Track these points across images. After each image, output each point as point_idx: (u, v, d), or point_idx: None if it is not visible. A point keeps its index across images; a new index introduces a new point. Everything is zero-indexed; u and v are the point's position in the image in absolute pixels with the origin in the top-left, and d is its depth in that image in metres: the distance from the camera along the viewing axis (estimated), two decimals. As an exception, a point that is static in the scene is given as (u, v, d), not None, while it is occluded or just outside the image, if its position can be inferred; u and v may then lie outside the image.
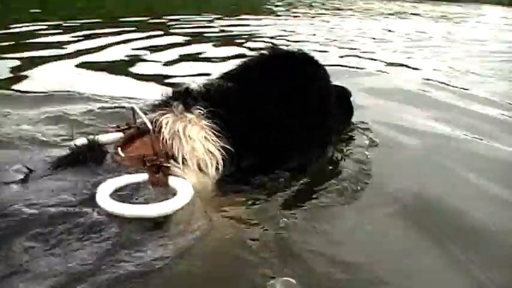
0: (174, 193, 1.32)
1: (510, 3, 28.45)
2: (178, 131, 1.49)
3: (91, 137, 1.55)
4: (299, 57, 1.93)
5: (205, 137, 1.50)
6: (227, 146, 1.52)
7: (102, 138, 1.62)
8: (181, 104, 1.56)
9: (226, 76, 1.85)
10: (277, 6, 13.80)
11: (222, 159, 1.50)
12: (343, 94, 2.12)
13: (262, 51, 1.95)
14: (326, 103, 1.89)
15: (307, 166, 1.77)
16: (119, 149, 1.52)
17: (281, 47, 2.11)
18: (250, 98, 1.69)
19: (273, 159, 1.68)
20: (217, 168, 1.50)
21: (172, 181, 1.38)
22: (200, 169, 1.49)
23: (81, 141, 1.55)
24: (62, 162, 1.40)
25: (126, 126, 1.67)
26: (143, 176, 1.37)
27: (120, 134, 1.66)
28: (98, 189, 1.26)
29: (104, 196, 1.23)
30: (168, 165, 1.41)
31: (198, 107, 1.56)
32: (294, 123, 1.74)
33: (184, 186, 1.35)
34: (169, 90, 1.73)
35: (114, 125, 1.73)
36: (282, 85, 1.78)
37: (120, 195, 1.27)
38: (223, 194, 1.52)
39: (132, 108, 1.61)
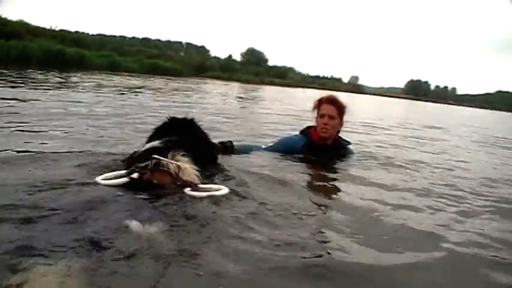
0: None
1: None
2: (178, 165, 3.15)
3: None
4: (190, 119, 3.83)
5: (190, 167, 3.23)
6: (198, 168, 3.30)
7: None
8: (170, 152, 3.19)
9: (167, 133, 3.53)
10: None
11: (199, 173, 3.29)
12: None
13: (169, 119, 3.72)
14: (207, 136, 3.92)
15: (214, 163, 3.77)
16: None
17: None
18: (188, 142, 3.48)
19: (206, 165, 3.58)
20: (198, 178, 3.28)
21: (206, 186, 3.10)
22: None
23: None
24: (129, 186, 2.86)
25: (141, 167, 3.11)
26: (188, 188, 3.01)
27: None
28: (185, 191, 2.88)
29: (189, 192, 2.89)
30: (196, 182, 3.11)
31: (178, 152, 3.24)
32: (205, 148, 3.69)
33: (222, 187, 3.12)
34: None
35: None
36: (193, 133, 3.68)
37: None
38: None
39: (154, 157, 3.08)
